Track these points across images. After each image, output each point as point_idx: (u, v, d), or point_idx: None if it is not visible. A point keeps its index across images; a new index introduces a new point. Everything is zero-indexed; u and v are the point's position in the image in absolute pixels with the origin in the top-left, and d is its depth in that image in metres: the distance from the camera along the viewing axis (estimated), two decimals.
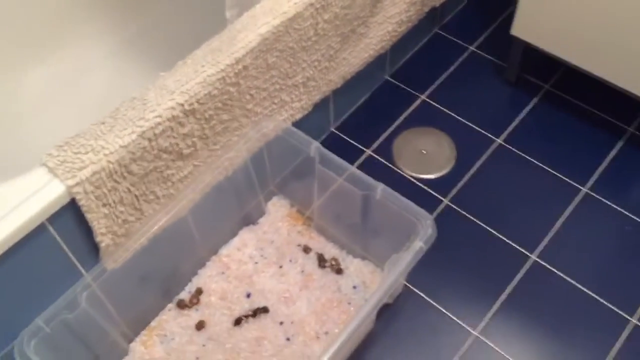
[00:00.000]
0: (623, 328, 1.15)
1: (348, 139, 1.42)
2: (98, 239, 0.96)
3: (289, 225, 1.26)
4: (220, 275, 1.19)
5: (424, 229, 1.01)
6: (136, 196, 0.98)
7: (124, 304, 1.08)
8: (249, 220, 1.27)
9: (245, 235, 1.25)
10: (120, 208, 0.96)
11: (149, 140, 0.94)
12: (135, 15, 1.50)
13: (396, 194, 1.06)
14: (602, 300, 1.18)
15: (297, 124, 1.27)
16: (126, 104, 0.95)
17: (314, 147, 1.13)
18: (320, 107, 1.33)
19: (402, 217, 1.05)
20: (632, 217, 1.27)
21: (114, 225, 0.97)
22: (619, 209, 1.28)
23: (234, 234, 1.25)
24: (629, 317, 1.16)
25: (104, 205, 0.93)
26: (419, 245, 0.99)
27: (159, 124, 0.94)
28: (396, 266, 0.97)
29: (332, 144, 1.41)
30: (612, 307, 1.17)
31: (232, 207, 1.22)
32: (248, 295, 1.17)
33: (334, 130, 1.44)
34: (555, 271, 1.22)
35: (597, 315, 1.16)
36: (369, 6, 1.22)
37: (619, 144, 1.36)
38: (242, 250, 1.23)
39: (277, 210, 1.28)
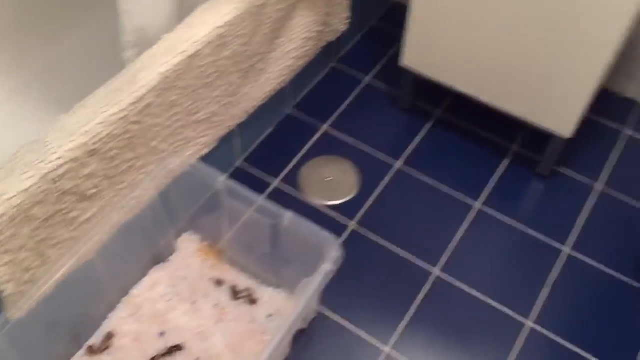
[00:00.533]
0: (521, 331, 1.24)
1: (255, 171, 1.45)
2: (0, 287, 0.93)
3: (200, 260, 1.26)
4: (132, 317, 1.18)
5: (331, 252, 1.05)
6: (40, 241, 0.96)
7: (31, 354, 1.04)
8: (160, 258, 1.26)
9: (157, 274, 1.24)
10: (23, 254, 0.94)
11: (51, 183, 0.93)
12: (26, 61, 1.47)
13: (303, 220, 1.10)
14: (500, 308, 1.27)
15: (204, 159, 1.29)
16: (26, 147, 0.94)
17: (221, 180, 1.15)
18: (226, 141, 1.35)
19: (310, 242, 1.09)
20: (521, 228, 1.38)
21: (17, 273, 0.94)
22: (509, 221, 1.39)
23: (144, 273, 1.24)
24: (525, 321, 1.25)
25: (6, 252, 0.90)
26: (327, 268, 1.03)
27: (61, 166, 0.93)
28: (306, 291, 1.00)
29: (240, 177, 1.43)
30: (510, 313, 1.26)
31: (142, 246, 1.21)
32: (162, 334, 1.16)
33: (241, 164, 1.47)
34: (457, 283, 1.30)
35: (497, 321, 1.25)
36: (266, 43, 1.28)
37: (505, 162, 1.48)
38: (153, 289, 1.21)
39: (188, 246, 1.28)
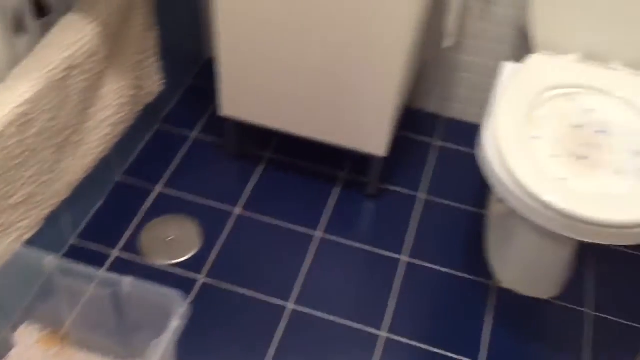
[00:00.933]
0: (377, 342, 1.30)
1: (92, 245, 1.40)
2: None
3: (42, 352, 1.18)
4: None
5: (177, 307, 1.04)
6: None
7: None
8: None
9: None
10: None
11: None
12: None
13: (142, 282, 1.08)
14: (355, 325, 1.32)
15: (31, 243, 1.22)
16: None
17: (52, 262, 1.10)
18: (53, 220, 1.29)
19: (156, 303, 1.07)
20: (361, 247, 1.46)
21: None
22: (349, 243, 1.46)
23: None
24: (379, 332, 1.32)
25: None
26: (174, 324, 1.02)
27: None
28: (156, 352, 0.98)
29: (76, 254, 1.38)
30: (365, 328, 1.32)
31: None
32: None
33: (75, 240, 1.41)
34: (312, 312, 1.34)
35: (354, 338, 1.30)
36: (78, 114, 1.25)
37: (337, 189, 1.57)
38: None
39: (26, 338, 1.20)
